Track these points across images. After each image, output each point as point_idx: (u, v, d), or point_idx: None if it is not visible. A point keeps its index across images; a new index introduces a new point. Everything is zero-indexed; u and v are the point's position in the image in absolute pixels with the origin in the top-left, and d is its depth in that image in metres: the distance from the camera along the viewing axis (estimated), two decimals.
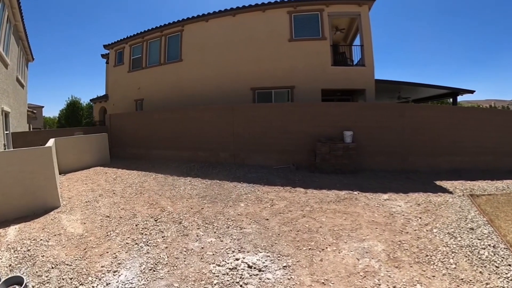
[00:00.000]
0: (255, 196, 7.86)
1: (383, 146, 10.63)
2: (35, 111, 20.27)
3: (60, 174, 10.78)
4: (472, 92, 15.41)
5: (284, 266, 4.27)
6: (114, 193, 8.28)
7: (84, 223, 6.05)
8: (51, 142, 8.86)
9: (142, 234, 5.48)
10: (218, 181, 9.48)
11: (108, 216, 6.39)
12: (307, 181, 9.36)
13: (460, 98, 16.96)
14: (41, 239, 5.26)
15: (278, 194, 8.08)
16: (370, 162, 10.64)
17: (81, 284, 3.82)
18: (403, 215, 6.32)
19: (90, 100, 22.75)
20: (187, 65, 15.36)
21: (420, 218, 6.11)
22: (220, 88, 14.27)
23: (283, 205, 7.15)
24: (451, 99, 17.28)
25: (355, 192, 8.13)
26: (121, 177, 10.23)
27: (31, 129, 21.36)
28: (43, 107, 41.87)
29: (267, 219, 6.22)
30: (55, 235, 5.45)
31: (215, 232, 5.55)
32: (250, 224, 5.97)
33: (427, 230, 5.44)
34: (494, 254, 4.53)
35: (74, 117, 25.34)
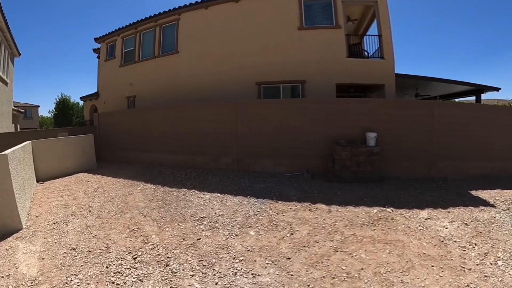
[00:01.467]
0: (268, 218, 6.07)
1: (409, 150, 8.87)
2: (22, 110, 18.27)
3: (38, 182, 9.52)
4: (497, 89, 13.60)
5: None
6: (90, 211, 6.64)
7: (43, 258, 4.51)
8: (18, 147, 7.33)
9: (113, 283, 3.82)
10: (219, 194, 7.65)
11: (74, 249, 4.77)
12: (327, 193, 7.57)
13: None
14: None
15: (296, 214, 6.30)
16: (395, 169, 8.84)
17: None
18: (455, 241, 5.00)
19: (80, 98, 20.67)
20: (184, 57, 13.37)
21: (475, 245, 4.86)
22: (221, 82, 12.29)
23: (305, 232, 5.41)
24: (473, 97, 15.33)
25: (389, 210, 6.45)
26: (104, 188, 8.60)
27: (19, 130, 19.44)
28: (39, 106, 40.36)
29: (289, 258, 4.49)
30: (1, 277, 3.98)
31: (216, 284, 3.80)
32: (266, 267, 4.24)
33: (491, 263, 4.27)
34: None
35: (64, 116, 23.30)
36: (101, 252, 4.64)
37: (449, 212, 6.32)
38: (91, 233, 5.39)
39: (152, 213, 6.35)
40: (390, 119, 8.84)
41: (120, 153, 13.23)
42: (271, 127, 9.54)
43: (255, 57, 11.84)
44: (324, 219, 5.93)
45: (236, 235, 5.23)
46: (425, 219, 5.94)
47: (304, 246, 4.83)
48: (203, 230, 5.45)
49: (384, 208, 6.46)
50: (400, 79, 11.59)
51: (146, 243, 4.93)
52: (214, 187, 8.25)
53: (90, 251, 4.67)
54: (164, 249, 4.70)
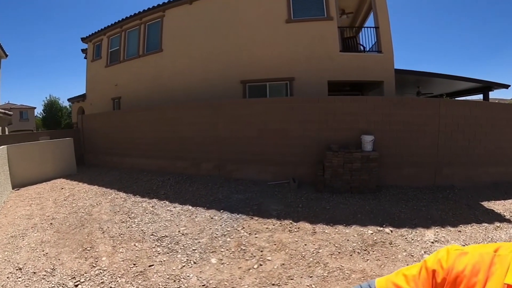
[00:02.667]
0: (237, 240, 4.89)
1: (411, 155, 7.53)
2: (10, 113, 17.09)
3: (14, 188, 8.96)
4: (507, 86, 12.11)
5: None
6: (51, 223, 5.85)
7: None
8: None
9: None
10: (190, 207, 6.48)
11: (20, 269, 4.09)
12: (314, 207, 6.28)
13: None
14: None
15: (272, 236, 5.06)
16: (396, 176, 7.51)
17: None
18: None
19: (68, 99, 19.54)
20: (168, 56, 12.06)
21: None
22: (205, 81, 10.94)
23: (279, 262, 4.18)
24: (480, 96, 13.77)
25: (387, 230, 5.16)
26: (74, 196, 7.76)
27: (7, 133, 18.33)
28: (35, 108, 39.06)
29: None
30: None
31: None
32: None
33: None
34: None
35: (53, 118, 22.14)
36: (45, 275, 3.89)
37: (460, 231, 5.07)
38: (43, 251, 4.63)
39: (112, 229, 5.41)
40: (390, 120, 7.53)
41: (102, 157, 12.29)
42: (254, 130, 8.25)
43: (240, 54, 10.49)
44: (305, 244, 4.68)
45: (194, 263, 4.16)
46: (432, 242, 4.69)
47: (273, 284, 3.62)
48: (159, 253, 4.42)
49: (381, 228, 5.20)
50: (400, 76, 10.17)
51: (93, 266, 4.08)
52: (188, 198, 7.12)
53: (35, 273, 3.95)
54: (109, 276, 3.84)
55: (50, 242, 4.93)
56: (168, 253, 4.43)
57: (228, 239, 4.90)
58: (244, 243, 4.75)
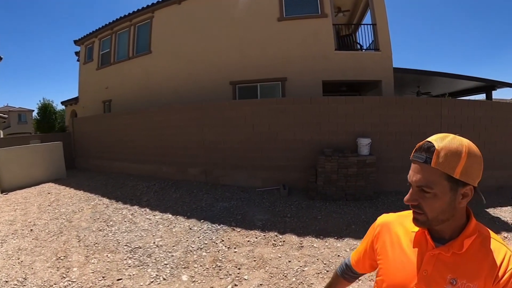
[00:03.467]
0: (213, 255, 4.33)
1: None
2: (5, 116, 16.68)
3: (2, 192, 8.77)
4: (511, 85, 11.41)
5: None
6: (31, 229, 5.60)
7: None
8: None
9: None
10: (170, 215, 6.00)
11: None
12: (303, 217, 5.66)
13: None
14: None
15: (253, 250, 4.49)
16: (395, 182, 6.80)
17: None
18: None
19: (61, 102, 19.00)
20: (157, 57, 11.51)
21: None
22: (194, 83, 10.35)
23: (256, 282, 3.63)
24: (483, 96, 13.10)
25: None
26: (59, 202, 7.43)
27: (2, 136, 17.93)
28: (33, 111, 38.62)
29: None
30: None
31: None
32: None
33: None
34: None
35: (46, 122, 21.60)
36: (16, 284, 3.68)
37: None
38: (19, 258, 4.40)
39: (89, 237, 5.10)
40: (388, 121, 6.93)
41: (92, 161, 11.86)
42: (241, 134, 7.65)
43: (230, 54, 9.90)
44: (289, 261, 4.09)
45: (164, 279, 3.73)
46: None
47: None
48: (130, 266, 4.05)
49: None
50: (399, 75, 9.52)
51: (64, 277, 3.82)
52: (170, 205, 6.60)
53: (7, 281, 3.76)
54: None
55: (27, 250, 4.69)
56: (139, 266, 4.04)
57: (204, 253, 4.37)
58: (220, 258, 4.20)
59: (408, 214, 1.07)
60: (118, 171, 10.42)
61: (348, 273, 1.34)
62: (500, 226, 5.07)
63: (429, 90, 13.96)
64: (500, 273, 0.89)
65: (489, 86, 11.80)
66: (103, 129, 11.40)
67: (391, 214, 1.17)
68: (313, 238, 4.76)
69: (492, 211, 5.77)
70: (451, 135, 0.96)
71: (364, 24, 10.02)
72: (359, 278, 1.68)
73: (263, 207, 6.21)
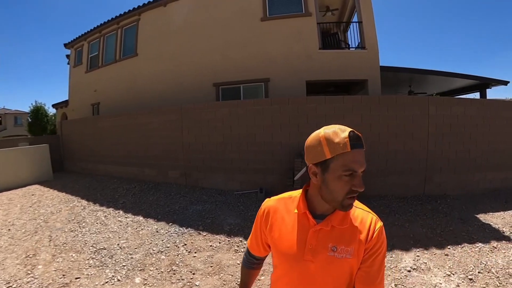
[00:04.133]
0: (171, 259, 4.22)
1: (398, 162, 6.52)
2: None
3: None
4: (506, 83, 11.01)
5: None
6: (9, 229, 5.70)
7: None
8: None
9: None
10: (141, 218, 5.94)
11: None
12: None
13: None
14: None
15: (213, 256, 4.30)
16: (379, 185, 6.47)
17: None
18: None
19: (52, 105, 18.85)
20: (143, 60, 11.30)
21: None
22: (179, 85, 10.13)
23: None
24: (477, 94, 12.58)
25: None
26: (41, 203, 7.48)
27: None
28: (29, 113, 37.95)
29: None
30: None
31: None
32: None
33: None
34: None
35: (38, 125, 21.43)
36: None
37: (446, 255, 4.05)
38: None
39: (60, 237, 5.14)
40: (371, 122, 6.54)
41: (80, 163, 11.74)
42: (220, 136, 7.36)
43: (213, 56, 9.63)
44: None
45: (118, 280, 3.70)
46: (408, 270, 3.75)
47: None
48: (90, 266, 4.08)
49: None
50: (390, 74, 9.16)
51: (28, 274, 3.91)
52: (144, 208, 6.52)
53: None
54: (38, 285, 3.62)
55: (1, 248, 4.80)
56: (99, 266, 4.06)
57: (163, 256, 4.26)
58: (178, 262, 4.06)
59: (289, 196, 1.23)
60: (103, 173, 10.44)
61: (251, 261, 1.38)
62: (489, 234, 4.67)
63: (422, 90, 13.53)
64: (369, 235, 1.06)
65: (483, 84, 11.36)
66: (89, 132, 11.24)
67: (273, 198, 1.27)
68: None
69: (483, 217, 5.36)
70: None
71: (349, 22, 9.67)
72: None
73: (236, 211, 5.95)
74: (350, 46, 10.06)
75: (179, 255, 4.25)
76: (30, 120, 22.39)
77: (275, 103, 6.94)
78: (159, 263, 4.08)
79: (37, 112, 21.99)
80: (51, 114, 23.39)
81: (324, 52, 8.75)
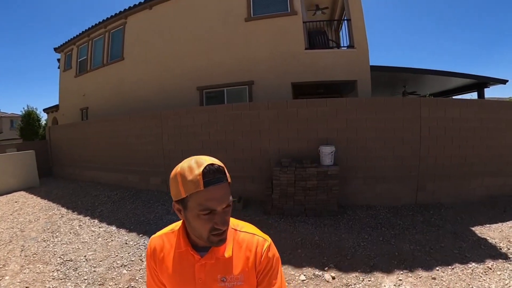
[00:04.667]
0: (132, 274, 3.99)
1: (387, 169, 6.03)
2: None
3: None
4: (505, 82, 10.44)
5: None
6: None
7: None
8: None
9: None
10: (114, 228, 5.63)
11: None
12: None
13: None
14: None
15: None
16: (367, 195, 6.03)
17: None
18: None
19: (43, 110, 18.75)
20: (129, 64, 10.99)
21: None
22: (163, 90, 9.81)
23: None
24: (475, 94, 11.99)
25: (327, 276, 3.70)
26: (22, 210, 7.28)
27: None
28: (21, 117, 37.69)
29: None
30: None
31: None
32: None
33: None
34: None
35: (30, 129, 21.18)
36: None
37: (434, 278, 3.52)
38: None
39: (32, 247, 4.94)
40: (357, 126, 6.06)
41: (67, 169, 11.49)
42: (198, 142, 6.98)
43: (197, 59, 9.28)
44: None
45: None
46: None
47: None
48: (54, 278, 3.89)
49: (320, 272, 3.76)
50: (380, 74, 8.68)
51: None
52: (120, 217, 6.21)
53: None
54: None
55: None
56: (61, 279, 3.87)
57: (125, 271, 3.99)
58: (138, 278, 3.79)
59: (171, 230, 1.14)
60: (90, 179, 10.29)
61: None
62: (485, 251, 4.12)
63: (418, 90, 12.95)
64: (258, 258, 1.04)
65: (481, 83, 10.82)
66: (76, 137, 10.95)
67: (158, 233, 1.17)
68: None
69: (479, 230, 4.82)
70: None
71: (337, 20, 9.18)
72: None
73: None
74: (342, 46, 9.53)
75: (140, 270, 3.96)
76: (22, 124, 22.12)
77: (254, 108, 6.51)
78: (120, 277, 3.82)
79: (29, 116, 21.78)
80: (43, 118, 23.21)
81: (311, 52, 8.29)
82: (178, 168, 0.96)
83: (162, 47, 9.97)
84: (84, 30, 12.89)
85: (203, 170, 0.90)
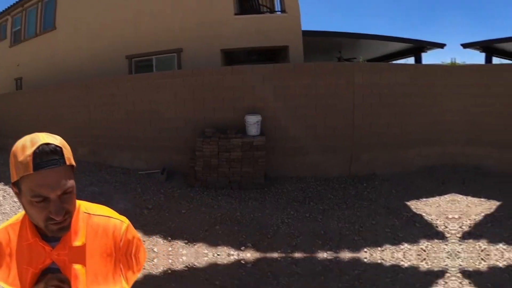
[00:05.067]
0: None
1: (318, 138, 5.85)
2: None
3: None
4: (442, 46, 10.37)
5: None
6: None
7: None
8: None
9: None
10: None
11: None
12: (168, 209, 4.72)
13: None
14: None
15: None
16: (297, 165, 5.86)
17: None
18: None
19: None
20: (61, 34, 10.41)
21: None
22: (95, 60, 9.30)
23: None
24: (412, 59, 11.98)
25: (245, 255, 3.53)
26: None
27: None
28: None
29: None
30: None
31: None
32: None
33: None
34: None
35: None
36: None
37: (358, 258, 3.38)
38: None
39: None
40: (286, 93, 5.82)
41: (2, 140, 10.51)
42: (123, 112, 6.67)
43: (126, 27, 8.83)
44: None
45: None
46: None
47: None
48: None
49: (236, 252, 3.57)
50: (314, 39, 8.47)
51: None
52: None
53: None
54: None
55: None
56: None
57: None
58: None
59: (16, 220, 0.94)
60: None
61: None
62: (419, 229, 3.89)
63: (354, 56, 12.55)
64: (117, 243, 0.92)
65: (418, 48, 10.72)
66: (8, 108, 10.50)
67: (1, 226, 0.97)
68: (159, 239, 3.81)
69: (415, 205, 4.58)
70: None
71: None
72: None
73: (132, 193, 5.29)
74: (277, 10, 9.18)
75: None
76: None
77: (177, 75, 6.22)
78: None
79: None
80: None
81: (241, 18, 7.99)
82: (14, 146, 0.82)
83: (92, 17, 9.45)
84: (18, 0, 12.09)
85: (34, 150, 0.75)
